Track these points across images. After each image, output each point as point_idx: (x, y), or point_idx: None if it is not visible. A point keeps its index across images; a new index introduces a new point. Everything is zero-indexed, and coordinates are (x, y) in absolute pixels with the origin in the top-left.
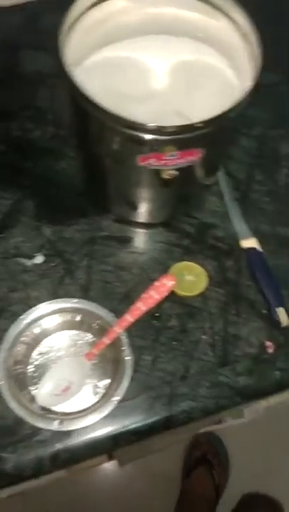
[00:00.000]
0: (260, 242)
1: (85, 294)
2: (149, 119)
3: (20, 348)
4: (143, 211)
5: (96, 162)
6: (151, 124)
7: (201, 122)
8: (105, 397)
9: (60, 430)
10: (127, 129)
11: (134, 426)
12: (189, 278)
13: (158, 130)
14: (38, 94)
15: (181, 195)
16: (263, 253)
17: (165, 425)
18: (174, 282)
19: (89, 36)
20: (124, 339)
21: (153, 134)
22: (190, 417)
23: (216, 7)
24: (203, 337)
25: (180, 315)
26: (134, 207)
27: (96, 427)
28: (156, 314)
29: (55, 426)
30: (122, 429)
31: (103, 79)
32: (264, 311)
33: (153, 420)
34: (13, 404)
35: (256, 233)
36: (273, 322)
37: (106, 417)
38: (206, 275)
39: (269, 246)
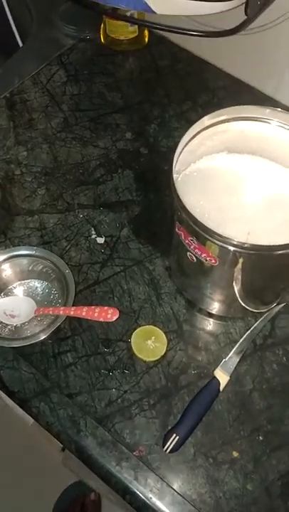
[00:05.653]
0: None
1: None
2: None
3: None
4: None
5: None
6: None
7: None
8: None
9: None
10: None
11: None
12: (150, 343)
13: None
14: None
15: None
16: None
17: None
18: (116, 316)
19: (192, 153)
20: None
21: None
22: None
23: None
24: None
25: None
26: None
27: None
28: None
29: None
30: None
31: (198, 185)
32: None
33: None
34: None
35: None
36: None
37: None
38: (165, 340)
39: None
